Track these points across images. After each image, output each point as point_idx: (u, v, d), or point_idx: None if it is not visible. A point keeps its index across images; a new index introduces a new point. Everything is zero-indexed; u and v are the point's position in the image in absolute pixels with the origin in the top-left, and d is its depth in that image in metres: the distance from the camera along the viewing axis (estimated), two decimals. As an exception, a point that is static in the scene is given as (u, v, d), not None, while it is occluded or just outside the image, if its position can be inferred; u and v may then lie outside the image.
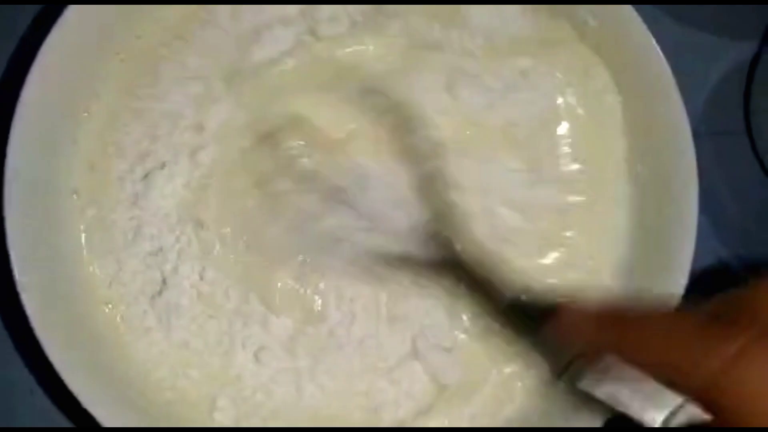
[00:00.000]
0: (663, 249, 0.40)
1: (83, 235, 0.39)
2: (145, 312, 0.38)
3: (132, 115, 0.40)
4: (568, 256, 0.41)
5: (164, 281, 0.38)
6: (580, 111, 0.42)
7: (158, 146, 0.39)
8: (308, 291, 0.39)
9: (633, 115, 0.41)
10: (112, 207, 0.39)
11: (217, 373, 0.38)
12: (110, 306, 0.38)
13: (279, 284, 0.39)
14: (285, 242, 0.39)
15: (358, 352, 0.39)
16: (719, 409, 0.25)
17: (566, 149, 0.41)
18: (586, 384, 0.31)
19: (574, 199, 0.41)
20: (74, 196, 0.39)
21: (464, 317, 0.39)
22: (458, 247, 0.38)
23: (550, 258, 0.40)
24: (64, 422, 0.39)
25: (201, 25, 0.41)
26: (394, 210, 0.39)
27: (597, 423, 0.36)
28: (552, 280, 0.40)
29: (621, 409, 0.30)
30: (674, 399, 0.28)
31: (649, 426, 0.28)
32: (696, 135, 0.40)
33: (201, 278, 0.38)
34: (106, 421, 0.35)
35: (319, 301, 0.39)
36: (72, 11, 0.37)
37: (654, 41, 0.40)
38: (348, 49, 0.41)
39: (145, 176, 0.39)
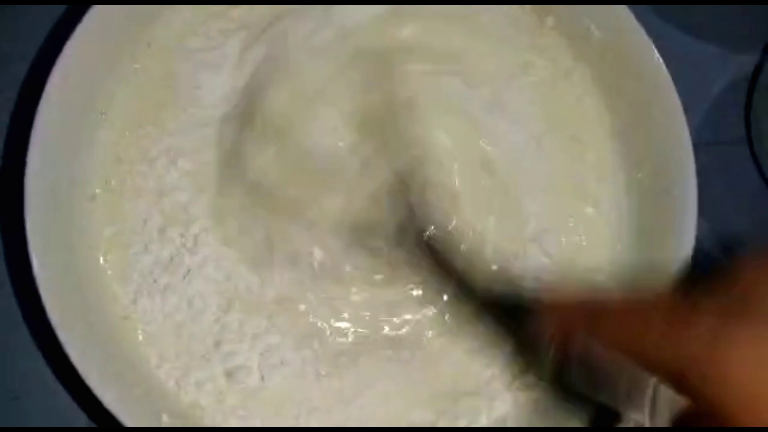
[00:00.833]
0: (661, 256, 0.40)
1: (103, 239, 0.39)
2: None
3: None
4: (568, 255, 0.41)
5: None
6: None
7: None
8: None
9: (632, 123, 0.42)
10: (130, 206, 0.40)
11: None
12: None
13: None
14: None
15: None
16: (700, 395, 0.25)
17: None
18: (566, 376, 0.31)
19: (571, 203, 0.42)
20: (96, 191, 0.40)
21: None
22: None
23: (546, 257, 0.41)
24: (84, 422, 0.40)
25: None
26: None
27: (584, 419, 0.37)
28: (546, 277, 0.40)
29: (604, 400, 0.31)
30: (650, 383, 0.28)
31: (635, 415, 0.29)
32: (697, 145, 0.41)
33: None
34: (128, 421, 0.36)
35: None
36: (95, 11, 0.39)
37: (655, 50, 0.41)
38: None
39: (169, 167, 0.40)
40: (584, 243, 0.42)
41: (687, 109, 0.41)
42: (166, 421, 0.37)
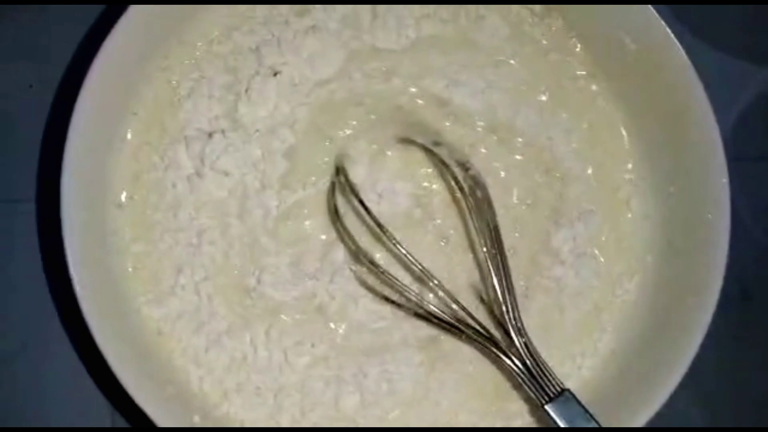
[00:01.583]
0: (692, 271, 0.41)
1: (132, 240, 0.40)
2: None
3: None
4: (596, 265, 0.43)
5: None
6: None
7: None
8: None
9: (666, 137, 0.43)
10: (156, 206, 0.41)
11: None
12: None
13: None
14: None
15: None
16: None
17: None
18: None
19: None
20: (123, 194, 0.40)
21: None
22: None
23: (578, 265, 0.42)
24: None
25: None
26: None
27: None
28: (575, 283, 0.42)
29: None
30: None
31: None
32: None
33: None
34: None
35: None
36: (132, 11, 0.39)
37: (691, 66, 0.40)
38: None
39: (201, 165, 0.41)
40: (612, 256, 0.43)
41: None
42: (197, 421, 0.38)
